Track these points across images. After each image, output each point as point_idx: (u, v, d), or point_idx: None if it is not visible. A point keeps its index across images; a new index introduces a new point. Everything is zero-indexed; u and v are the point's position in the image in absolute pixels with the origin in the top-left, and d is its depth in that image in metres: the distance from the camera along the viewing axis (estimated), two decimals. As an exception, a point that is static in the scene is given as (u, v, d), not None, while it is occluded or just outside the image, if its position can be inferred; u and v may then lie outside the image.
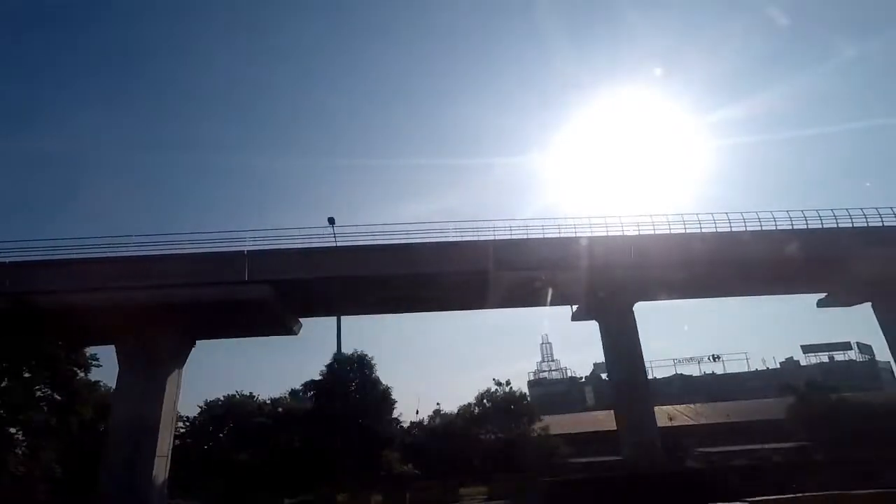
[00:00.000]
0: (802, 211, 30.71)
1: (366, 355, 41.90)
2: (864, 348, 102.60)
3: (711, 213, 31.50)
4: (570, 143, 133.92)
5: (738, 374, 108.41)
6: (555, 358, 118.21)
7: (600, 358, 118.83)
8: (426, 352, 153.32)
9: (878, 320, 32.65)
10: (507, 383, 38.46)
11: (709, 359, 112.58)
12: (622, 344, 30.04)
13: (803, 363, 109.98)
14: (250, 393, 46.19)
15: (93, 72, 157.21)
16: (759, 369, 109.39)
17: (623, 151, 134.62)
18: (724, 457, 29.71)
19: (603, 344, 31.36)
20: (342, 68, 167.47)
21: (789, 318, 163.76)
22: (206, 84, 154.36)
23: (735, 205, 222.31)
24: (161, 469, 27.34)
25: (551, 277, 28.93)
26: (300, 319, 34.28)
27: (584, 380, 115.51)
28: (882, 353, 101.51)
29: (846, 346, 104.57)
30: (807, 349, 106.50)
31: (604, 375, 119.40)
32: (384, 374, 41.49)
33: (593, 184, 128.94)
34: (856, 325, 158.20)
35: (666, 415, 40.83)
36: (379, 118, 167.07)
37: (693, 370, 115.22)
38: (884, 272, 30.49)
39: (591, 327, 32.50)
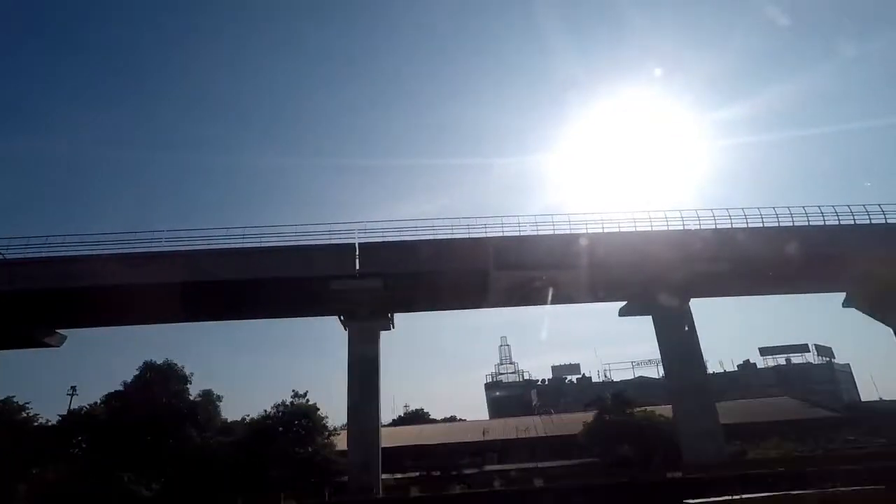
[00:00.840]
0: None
1: (175, 365, 40.46)
2: (823, 350, 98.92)
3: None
4: (571, 143, 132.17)
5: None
6: (513, 360, 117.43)
7: (559, 361, 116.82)
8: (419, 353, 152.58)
9: (656, 333, 30.17)
10: (305, 395, 36.38)
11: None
12: (360, 357, 28.14)
13: (760, 366, 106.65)
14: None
15: (95, 73, 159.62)
16: (716, 372, 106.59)
17: (624, 151, 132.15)
18: (487, 476, 27.62)
19: (349, 356, 29.19)
20: (344, 69, 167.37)
21: (757, 319, 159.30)
22: (208, 85, 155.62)
23: (736, 204, 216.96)
24: None
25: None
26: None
27: (539, 383, 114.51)
28: (841, 355, 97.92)
29: (804, 349, 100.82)
30: (764, 352, 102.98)
31: (573, 378, 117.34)
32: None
33: (594, 183, 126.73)
34: (823, 327, 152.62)
35: (481, 429, 38.71)
36: (381, 118, 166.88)
37: (651, 372, 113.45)
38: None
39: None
